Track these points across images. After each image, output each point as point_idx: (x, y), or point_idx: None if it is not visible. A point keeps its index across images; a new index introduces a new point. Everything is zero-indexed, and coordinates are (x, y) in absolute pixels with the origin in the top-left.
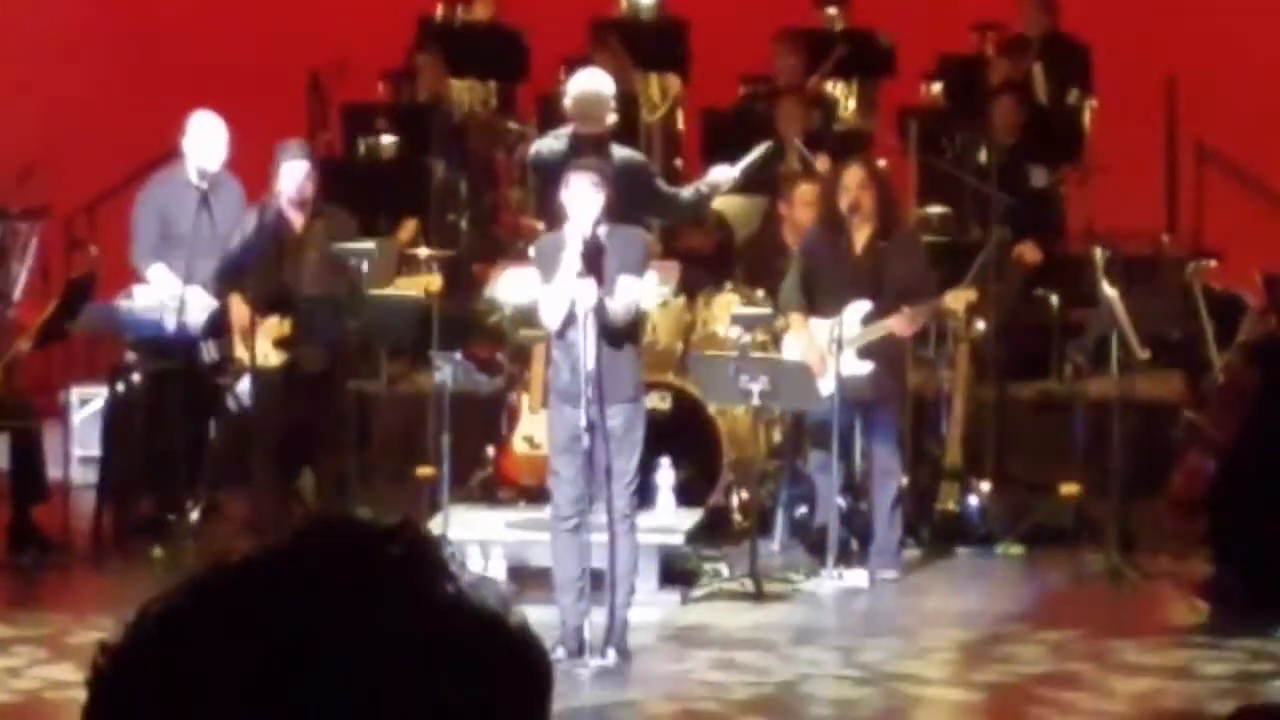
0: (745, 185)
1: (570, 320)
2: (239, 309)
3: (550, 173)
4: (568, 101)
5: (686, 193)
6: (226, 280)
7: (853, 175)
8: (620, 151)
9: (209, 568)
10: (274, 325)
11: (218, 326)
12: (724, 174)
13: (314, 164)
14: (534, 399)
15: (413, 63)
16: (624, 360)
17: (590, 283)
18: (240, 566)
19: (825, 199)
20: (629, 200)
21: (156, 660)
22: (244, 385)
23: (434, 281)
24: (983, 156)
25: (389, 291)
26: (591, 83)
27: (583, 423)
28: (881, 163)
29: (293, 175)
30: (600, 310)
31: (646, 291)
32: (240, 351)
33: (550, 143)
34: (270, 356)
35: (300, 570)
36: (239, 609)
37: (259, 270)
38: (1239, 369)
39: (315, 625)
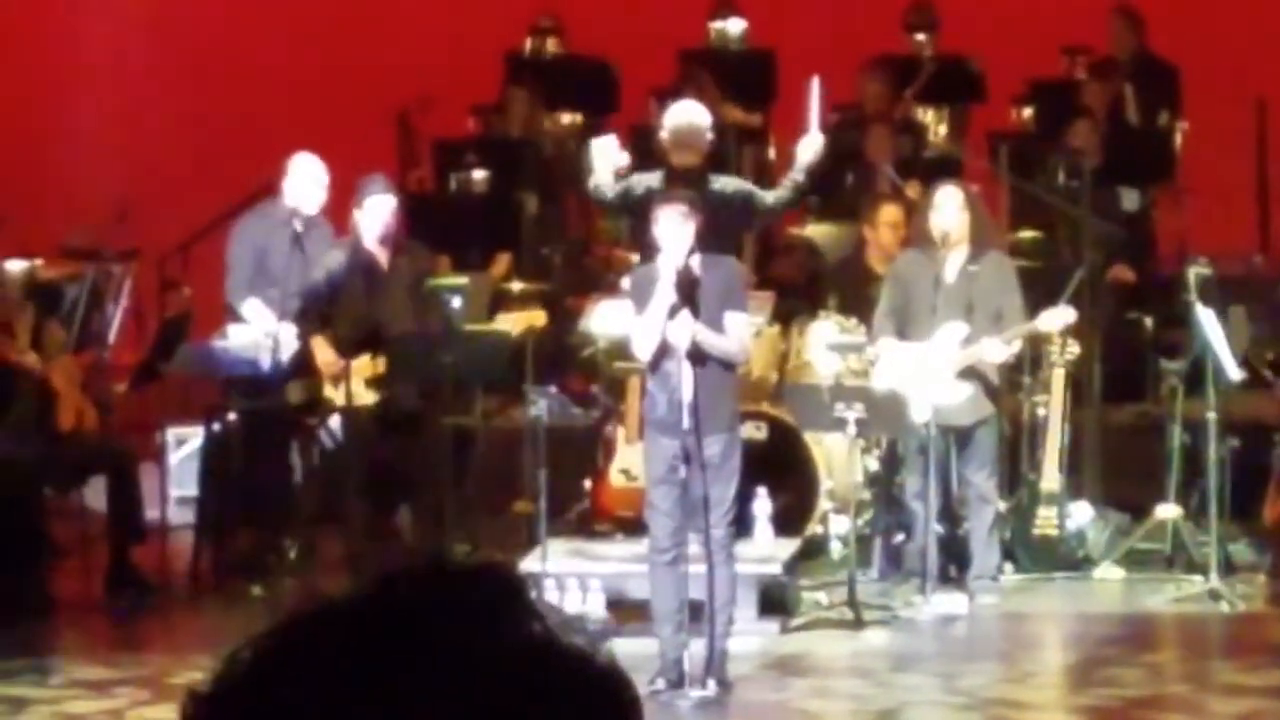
0: (835, 212)
1: (665, 351)
2: (324, 349)
3: (643, 209)
4: (664, 134)
5: (784, 192)
6: (312, 319)
7: (947, 196)
8: (718, 180)
9: (294, 613)
10: (366, 364)
11: (301, 367)
12: (809, 149)
13: (396, 198)
14: (630, 431)
15: (505, 97)
16: (721, 390)
17: (686, 317)
18: (325, 612)
19: (917, 224)
20: (735, 226)
21: (245, 706)
22: (335, 422)
23: (538, 317)
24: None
25: (482, 327)
26: (688, 114)
27: (680, 453)
28: (974, 188)
29: (377, 211)
30: (695, 348)
31: (749, 325)
32: (330, 391)
33: (643, 179)
34: (364, 395)
35: (387, 614)
36: (325, 654)
37: (347, 309)
38: None
39: (403, 669)
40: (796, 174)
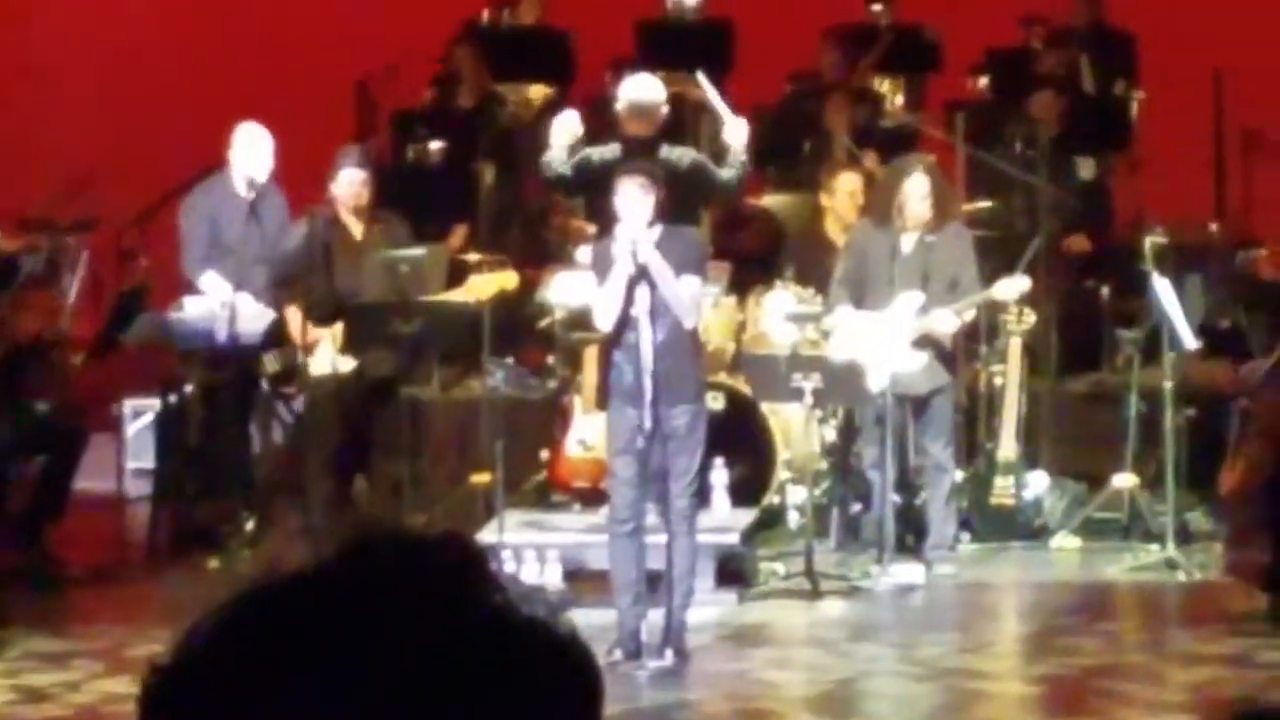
0: (793, 182)
1: (627, 322)
2: (297, 319)
3: (601, 180)
4: (620, 105)
5: (732, 172)
6: (283, 289)
7: (915, 186)
8: (673, 151)
9: (255, 584)
10: (339, 332)
11: (276, 336)
12: (735, 135)
13: (370, 170)
14: (587, 401)
15: (451, 59)
16: (687, 360)
17: (646, 235)
18: (286, 583)
19: (874, 197)
20: (692, 198)
21: (205, 678)
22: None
23: (510, 279)
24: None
25: (441, 298)
26: (644, 86)
27: (646, 424)
28: (931, 158)
29: (350, 182)
30: (656, 263)
31: (704, 292)
32: (307, 361)
33: (600, 150)
34: (339, 363)
35: (347, 585)
36: (286, 626)
37: (316, 279)
38: None
39: (363, 640)
40: (737, 157)
